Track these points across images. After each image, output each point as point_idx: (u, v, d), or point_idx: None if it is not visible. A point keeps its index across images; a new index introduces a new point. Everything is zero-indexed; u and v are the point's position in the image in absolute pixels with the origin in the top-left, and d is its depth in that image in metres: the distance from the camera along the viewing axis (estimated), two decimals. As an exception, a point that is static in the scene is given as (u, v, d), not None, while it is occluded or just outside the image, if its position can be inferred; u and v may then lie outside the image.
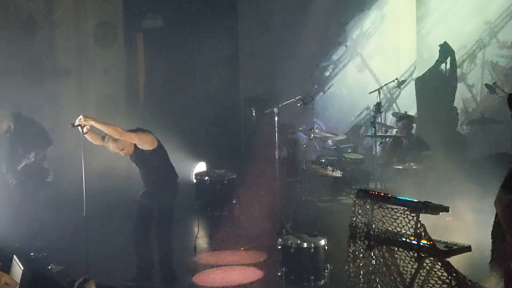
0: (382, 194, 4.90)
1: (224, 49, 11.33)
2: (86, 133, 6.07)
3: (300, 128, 9.66)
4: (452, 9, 9.95)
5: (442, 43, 9.56)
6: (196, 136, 10.99)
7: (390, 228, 4.71)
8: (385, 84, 8.83)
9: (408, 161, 7.86)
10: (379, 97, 8.46)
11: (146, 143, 6.37)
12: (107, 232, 8.36)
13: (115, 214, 9.13)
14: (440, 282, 4.44)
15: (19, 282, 5.30)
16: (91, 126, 6.08)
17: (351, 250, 4.98)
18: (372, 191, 4.94)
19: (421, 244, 4.51)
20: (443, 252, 4.49)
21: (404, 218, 4.56)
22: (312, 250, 5.89)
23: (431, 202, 4.56)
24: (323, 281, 5.90)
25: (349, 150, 9.54)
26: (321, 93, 11.31)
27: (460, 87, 9.65)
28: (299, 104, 8.39)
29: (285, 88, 9.76)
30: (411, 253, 4.59)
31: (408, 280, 4.62)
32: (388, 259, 4.76)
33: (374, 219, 4.81)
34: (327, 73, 11.33)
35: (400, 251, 4.68)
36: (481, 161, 8.41)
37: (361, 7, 10.87)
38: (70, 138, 10.65)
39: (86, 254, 6.05)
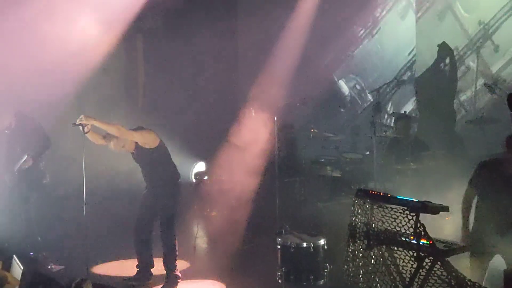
0: (381, 193, 4.90)
1: (224, 49, 11.33)
2: (87, 132, 6.09)
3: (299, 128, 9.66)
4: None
5: (440, 43, 9.57)
6: (196, 136, 10.99)
7: (389, 228, 4.71)
8: (385, 84, 8.83)
9: (407, 161, 7.87)
10: (378, 97, 8.46)
11: (148, 142, 6.38)
12: (107, 232, 8.37)
13: (115, 214, 9.13)
14: (439, 281, 4.44)
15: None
16: (92, 126, 6.09)
17: (350, 250, 4.98)
18: (372, 191, 4.94)
19: (420, 243, 4.51)
20: (442, 251, 4.49)
21: (403, 217, 4.56)
22: (312, 249, 5.90)
23: (430, 202, 4.57)
24: (322, 280, 5.91)
25: (349, 150, 9.55)
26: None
27: (460, 87, 9.65)
28: (298, 104, 8.41)
29: (285, 88, 9.76)
30: (410, 252, 4.60)
31: (407, 279, 4.62)
32: (388, 258, 4.76)
33: (373, 218, 4.82)
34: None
35: (400, 251, 4.68)
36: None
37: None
38: (70, 138, 10.68)
39: (86, 254, 6.06)
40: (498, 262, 5.60)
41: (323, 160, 8.89)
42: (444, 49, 9.57)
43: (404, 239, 4.63)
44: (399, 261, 4.69)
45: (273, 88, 9.26)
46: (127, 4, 8.88)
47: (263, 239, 7.64)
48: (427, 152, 8.23)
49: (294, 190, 8.35)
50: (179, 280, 6.62)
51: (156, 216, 6.62)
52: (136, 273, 6.74)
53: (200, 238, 8.08)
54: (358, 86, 10.44)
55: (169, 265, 6.59)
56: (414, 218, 4.51)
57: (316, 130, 8.60)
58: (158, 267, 6.77)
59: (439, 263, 4.44)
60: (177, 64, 11.66)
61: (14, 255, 6.04)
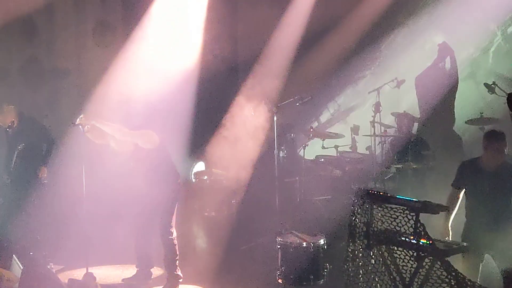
0: (381, 193, 4.90)
1: (224, 49, 11.31)
2: (87, 131, 6.08)
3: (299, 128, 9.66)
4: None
5: (440, 42, 9.57)
6: (196, 135, 10.98)
7: (389, 228, 4.71)
8: (385, 84, 8.82)
9: (407, 161, 7.87)
10: (378, 96, 8.46)
11: (148, 142, 6.38)
12: (107, 232, 8.36)
13: (115, 213, 9.12)
14: (439, 281, 4.44)
15: (18, 281, 5.32)
16: (92, 125, 6.09)
17: (350, 250, 4.98)
18: (372, 191, 4.94)
19: (420, 243, 4.51)
20: (442, 251, 4.49)
21: (403, 217, 4.56)
22: (311, 249, 5.89)
23: (430, 202, 4.57)
24: (322, 280, 5.91)
25: (349, 150, 9.54)
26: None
27: (460, 86, 9.65)
28: (298, 104, 8.40)
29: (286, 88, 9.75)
30: (410, 252, 4.60)
31: (407, 279, 4.62)
32: (388, 258, 4.76)
33: (373, 218, 4.81)
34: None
35: (400, 251, 4.68)
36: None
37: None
38: (70, 138, 10.68)
39: (86, 253, 6.06)
40: (492, 262, 5.65)
41: (323, 160, 8.89)
42: (444, 49, 9.57)
43: (404, 239, 4.63)
44: (399, 261, 4.69)
45: (272, 83, 9.26)
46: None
47: (263, 239, 7.63)
48: (427, 151, 8.23)
49: (294, 190, 8.34)
50: (180, 280, 6.61)
51: (155, 216, 6.61)
52: (136, 273, 6.74)
53: (200, 238, 8.07)
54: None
55: (170, 265, 6.59)
56: (414, 218, 4.51)
57: (316, 130, 8.59)
58: (159, 268, 6.78)
59: (439, 263, 4.44)
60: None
61: (13, 255, 6.04)
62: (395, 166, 8.18)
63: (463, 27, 9.49)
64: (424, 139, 8.59)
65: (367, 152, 9.27)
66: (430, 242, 4.49)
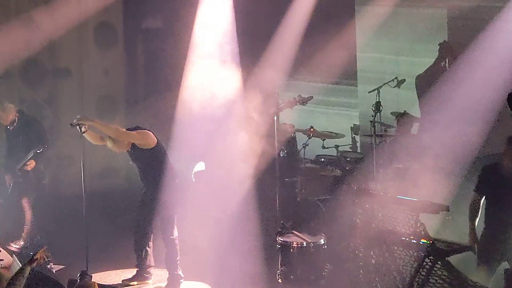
0: (381, 193, 4.91)
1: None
2: (84, 132, 6.07)
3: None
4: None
5: (441, 41, 9.55)
6: (196, 136, 10.97)
7: (390, 227, 4.72)
8: (384, 84, 8.81)
9: (408, 160, 7.85)
10: (379, 96, 8.45)
11: (145, 142, 6.37)
12: (107, 232, 8.37)
13: (115, 213, 9.12)
14: (440, 281, 4.44)
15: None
16: (90, 126, 6.08)
17: (350, 250, 4.98)
18: (372, 191, 4.94)
19: (421, 243, 4.52)
20: (443, 251, 4.49)
21: (404, 217, 4.57)
22: (312, 249, 5.89)
23: (431, 201, 4.57)
24: (322, 280, 5.90)
25: (349, 149, 9.53)
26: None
27: (461, 86, 9.63)
28: (298, 104, 8.39)
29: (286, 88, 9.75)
30: (411, 252, 4.60)
31: (408, 279, 4.62)
32: (388, 258, 4.77)
33: (374, 218, 4.82)
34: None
35: (400, 250, 4.69)
36: (481, 160, 8.40)
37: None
38: (70, 138, 10.68)
39: (86, 254, 6.05)
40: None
41: (323, 160, 8.87)
42: (445, 47, 9.56)
43: (404, 238, 4.63)
44: (400, 261, 4.70)
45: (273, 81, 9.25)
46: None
47: (263, 238, 7.63)
48: (428, 151, 8.22)
49: (295, 189, 8.33)
50: (181, 280, 6.61)
51: (155, 216, 6.61)
52: (136, 273, 6.74)
53: (201, 238, 8.07)
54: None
55: (171, 265, 6.59)
56: (414, 217, 4.51)
57: (316, 129, 8.58)
58: (159, 268, 6.77)
59: (439, 262, 4.44)
60: (177, 65, 11.65)
61: (13, 255, 6.04)
62: (395, 166, 8.17)
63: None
64: (424, 138, 8.58)
65: (368, 152, 9.27)
66: (431, 242, 4.49)
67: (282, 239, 6.08)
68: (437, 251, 4.46)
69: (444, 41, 9.54)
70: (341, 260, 5.06)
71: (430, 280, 4.53)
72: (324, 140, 8.64)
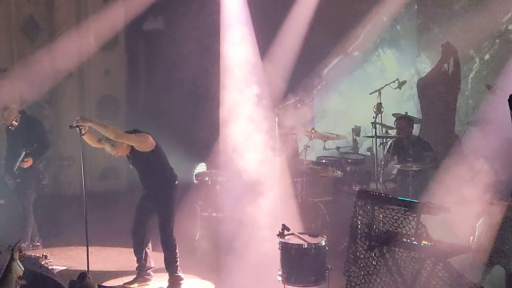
0: (382, 194, 4.91)
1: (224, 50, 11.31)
2: (83, 134, 6.06)
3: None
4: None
5: (444, 43, 9.56)
6: (197, 136, 10.99)
7: (391, 229, 4.71)
8: (386, 85, 8.81)
9: (409, 162, 7.86)
10: (380, 97, 8.45)
11: (144, 145, 6.36)
12: (108, 233, 8.37)
13: (115, 214, 9.13)
14: (441, 283, 4.44)
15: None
16: (90, 128, 6.07)
17: (351, 251, 4.98)
18: (373, 192, 4.94)
19: (422, 244, 4.51)
20: (444, 253, 4.49)
21: (405, 218, 4.57)
22: (313, 250, 5.88)
23: (432, 203, 4.57)
24: (323, 281, 5.89)
25: (350, 151, 9.54)
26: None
27: (461, 87, 9.64)
28: (299, 105, 8.38)
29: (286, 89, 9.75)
30: (412, 253, 4.60)
31: (409, 281, 4.62)
32: (389, 259, 4.76)
33: (375, 219, 4.82)
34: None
35: (401, 252, 4.68)
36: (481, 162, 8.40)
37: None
38: (71, 139, 10.71)
39: (87, 254, 6.05)
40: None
41: (324, 161, 8.87)
42: (448, 49, 9.56)
43: (405, 240, 4.62)
44: (401, 262, 4.69)
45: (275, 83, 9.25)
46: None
47: (264, 239, 7.62)
48: (428, 152, 8.22)
49: (296, 190, 8.33)
50: (181, 282, 6.61)
51: (154, 218, 6.62)
52: (136, 275, 6.74)
53: (202, 239, 8.07)
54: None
55: (170, 267, 6.59)
56: (415, 219, 4.51)
57: (317, 131, 8.58)
58: (160, 268, 6.77)
59: (440, 264, 4.43)
60: (177, 65, 11.66)
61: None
62: (396, 167, 8.17)
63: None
64: (425, 140, 8.58)
65: (368, 153, 9.26)
66: (432, 243, 4.48)
67: (283, 240, 6.07)
68: (438, 252, 4.45)
69: (447, 42, 9.54)
70: (342, 262, 5.05)
71: (431, 282, 4.53)
72: (325, 141, 8.64)
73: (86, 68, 11.26)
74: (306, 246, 5.93)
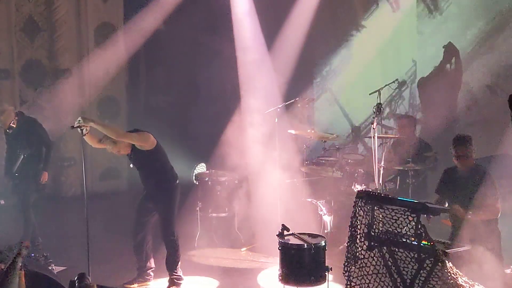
0: (382, 195, 4.90)
1: (224, 50, 11.33)
2: (85, 134, 6.07)
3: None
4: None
5: (446, 43, 9.57)
6: (197, 137, 11.00)
7: (390, 229, 4.71)
8: (386, 85, 8.82)
9: (409, 162, 7.86)
10: (380, 98, 8.45)
11: (145, 143, 6.37)
12: (108, 233, 8.38)
13: (116, 214, 9.14)
14: (440, 283, 4.44)
15: (19, 283, 5.30)
16: (91, 128, 6.08)
17: (351, 251, 4.98)
18: (373, 192, 4.94)
19: (421, 245, 4.51)
20: (443, 253, 4.49)
21: (404, 219, 4.57)
22: (313, 250, 5.88)
23: (431, 203, 4.57)
24: (323, 282, 5.89)
25: (350, 151, 9.54)
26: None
27: (462, 88, 9.64)
28: (299, 105, 8.39)
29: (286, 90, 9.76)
30: (411, 254, 4.60)
31: (408, 281, 4.62)
32: (389, 260, 4.76)
33: (374, 220, 4.82)
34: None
35: (401, 252, 4.69)
36: (481, 162, 8.40)
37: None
38: (71, 140, 10.72)
39: (87, 255, 6.06)
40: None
41: (324, 161, 8.88)
42: (450, 50, 9.57)
43: (405, 240, 4.63)
44: (400, 262, 4.69)
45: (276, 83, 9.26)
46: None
47: (264, 240, 7.63)
48: (429, 153, 8.22)
49: (295, 191, 8.34)
50: (181, 282, 6.62)
51: (154, 218, 6.62)
52: (136, 275, 6.74)
53: (202, 239, 8.08)
54: None
55: (171, 267, 6.59)
56: (415, 219, 4.51)
57: (317, 131, 8.59)
58: (161, 269, 6.78)
59: (440, 264, 4.44)
60: (178, 65, 11.67)
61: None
62: (396, 167, 8.17)
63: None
64: (425, 140, 8.58)
65: (368, 154, 9.26)
66: (431, 243, 4.49)
67: (282, 240, 6.07)
68: (438, 253, 4.45)
69: (449, 42, 9.55)
70: (342, 262, 5.05)
71: (431, 281, 4.53)
72: (325, 141, 8.64)
73: (86, 68, 11.26)
74: (306, 246, 5.93)
